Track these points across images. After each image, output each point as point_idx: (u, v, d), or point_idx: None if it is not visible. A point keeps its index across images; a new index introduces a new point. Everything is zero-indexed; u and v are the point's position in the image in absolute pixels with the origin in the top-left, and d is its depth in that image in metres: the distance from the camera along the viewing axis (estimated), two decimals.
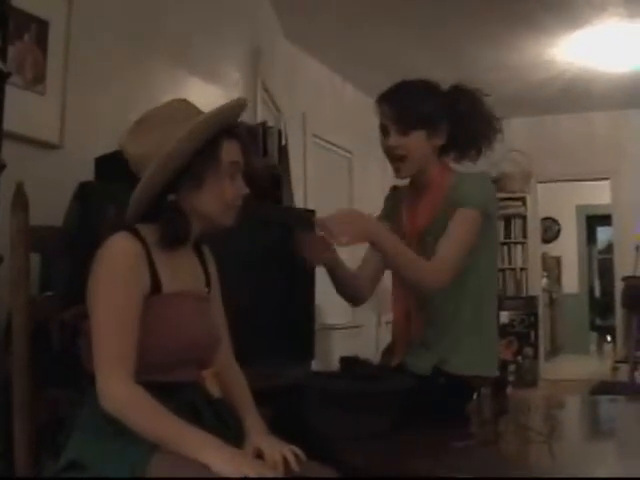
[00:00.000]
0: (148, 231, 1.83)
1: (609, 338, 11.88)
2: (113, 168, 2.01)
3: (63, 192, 2.44)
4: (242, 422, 1.90)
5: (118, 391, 1.65)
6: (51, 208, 2.38)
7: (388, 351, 2.69)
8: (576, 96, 7.84)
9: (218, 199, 1.86)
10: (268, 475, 1.57)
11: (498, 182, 8.24)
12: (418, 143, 2.50)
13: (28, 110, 2.71)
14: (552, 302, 11.41)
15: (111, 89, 3.19)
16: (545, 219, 11.26)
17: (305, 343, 3.29)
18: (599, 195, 10.09)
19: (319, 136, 6.75)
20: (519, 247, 9.01)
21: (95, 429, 1.69)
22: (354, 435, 2.12)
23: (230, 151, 1.87)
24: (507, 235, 8.99)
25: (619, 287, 8.36)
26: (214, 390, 1.91)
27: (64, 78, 2.88)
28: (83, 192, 2.36)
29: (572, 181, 9.49)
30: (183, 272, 1.90)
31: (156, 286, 1.79)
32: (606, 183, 8.98)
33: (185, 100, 1.93)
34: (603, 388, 7.25)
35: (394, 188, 2.83)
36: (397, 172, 2.57)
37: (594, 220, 12.92)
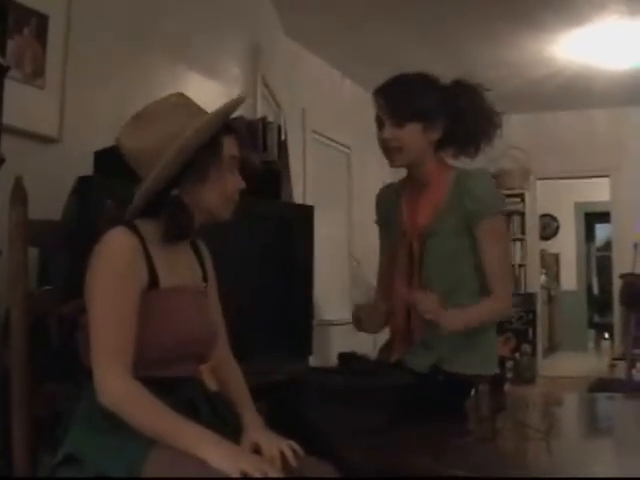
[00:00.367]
0: (147, 226, 1.82)
1: (607, 335, 11.90)
2: (112, 163, 2.01)
3: (62, 186, 2.44)
4: (239, 417, 1.90)
5: (115, 386, 1.65)
6: (50, 202, 2.38)
7: (387, 347, 2.68)
8: (576, 93, 7.84)
9: (220, 193, 1.87)
10: (266, 470, 1.57)
11: (497, 179, 8.23)
12: (413, 136, 2.50)
13: (27, 104, 2.71)
14: (550, 299, 11.42)
15: (110, 83, 3.18)
16: (544, 216, 11.26)
17: (303, 339, 3.29)
18: (598, 192, 10.09)
19: (318, 132, 6.75)
20: (518, 244, 9.00)
21: (92, 423, 1.69)
22: (352, 431, 2.12)
23: (230, 146, 1.87)
24: None
25: (617, 284, 8.37)
26: (211, 384, 1.91)
27: (63, 72, 2.88)
28: (82, 186, 2.37)
29: (571, 178, 9.48)
30: (180, 267, 1.90)
31: (154, 281, 1.79)
32: (605, 180, 8.97)
33: (182, 94, 1.93)
34: (601, 385, 7.27)
35: (386, 187, 2.82)
36: (391, 161, 2.57)
37: (593, 217, 12.94)
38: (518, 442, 2.26)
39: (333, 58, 6.88)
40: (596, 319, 13.59)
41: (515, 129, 7.82)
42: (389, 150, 2.54)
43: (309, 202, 5.65)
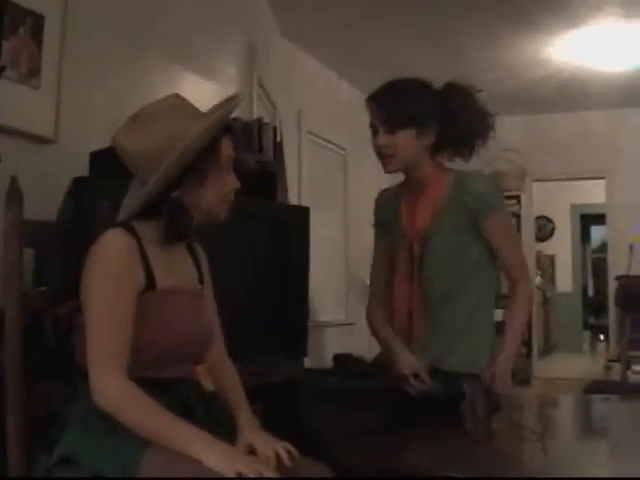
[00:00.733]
0: (144, 228, 1.82)
1: (602, 337, 11.89)
2: (108, 163, 2.00)
3: (57, 187, 2.44)
4: (235, 418, 1.90)
5: (111, 387, 1.65)
6: (45, 203, 2.38)
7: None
8: (572, 95, 7.84)
9: (219, 193, 1.87)
10: (261, 470, 1.57)
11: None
12: (406, 142, 2.50)
13: (22, 104, 2.70)
14: (546, 301, 11.43)
15: (107, 84, 3.18)
16: (539, 218, 11.26)
17: (298, 340, 3.29)
18: (594, 194, 10.09)
19: (314, 133, 6.74)
20: None
21: (88, 424, 1.69)
22: (348, 432, 2.12)
23: (227, 146, 1.88)
24: None
25: (612, 286, 8.37)
26: (207, 385, 1.92)
27: (59, 72, 2.88)
28: (77, 187, 2.36)
29: (567, 180, 9.49)
30: (177, 268, 1.90)
31: (150, 282, 1.79)
32: (601, 182, 8.97)
33: (179, 96, 1.92)
34: (596, 387, 7.28)
35: (385, 190, 2.83)
36: (385, 167, 2.58)
37: (588, 219, 12.95)
38: (514, 443, 2.26)
39: (329, 59, 6.87)
40: (591, 321, 13.60)
41: (511, 130, 7.81)
42: (383, 156, 2.55)
43: (305, 203, 5.65)
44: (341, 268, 7.22)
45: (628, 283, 7.86)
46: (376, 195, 2.86)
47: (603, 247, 10.80)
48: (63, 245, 2.15)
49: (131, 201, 1.86)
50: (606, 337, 10.17)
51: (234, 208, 1.93)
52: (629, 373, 7.60)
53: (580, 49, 6.49)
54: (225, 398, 1.97)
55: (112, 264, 1.74)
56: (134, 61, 3.42)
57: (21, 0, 2.67)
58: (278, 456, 1.71)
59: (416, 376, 2.40)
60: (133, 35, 3.40)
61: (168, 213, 1.82)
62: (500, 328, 2.58)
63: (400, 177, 2.69)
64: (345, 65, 7.00)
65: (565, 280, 12.65)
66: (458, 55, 6.46)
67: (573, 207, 12.46)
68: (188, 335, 1.84)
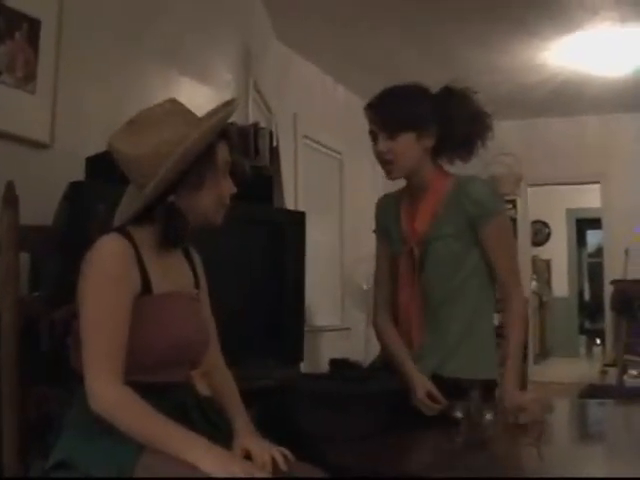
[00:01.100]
0: (140, 232, 1.82)
1: (598, 341, 11.91)
2: (104, 168, 2.00)
3: (53, 191, 2.44)
4: (230, 423, 1.90)
5: (106, 392, 1.65)
6: (41, 207, 2.38)
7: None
8: (568, 99, 7.86)
9: (215, 198, 1.87)
10: (257, 475, 1.57)
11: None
12: (407, 146, 2.50)
13: (18, 109, 2.70)
14: (542, 305, 11.45)
15: (102, 89, 3.18)
16: (535, 222, 11.29)
17: (294, 345, 3.29)
18: (589, 199, 10.11)
19: (310, 137, 6.75)
20: None
21: (83, 429, 1.68)
22: (344, 437, 2.12)
23: (223, 151, 1.88)
24: None
25: (608, 290, 8.39)
26: (203, 390, 1.92)
27: (55, 77, 2.87)
28: (73, 192, 2.36)
29: (563, 184, 9.50)
30: (173, 273, 1.90)
31: (147, 287, 1.79)
32: (596, 187, 8.98)
33: (176, 101, 1.92)
34: (592, 391, 7.28)
35: (385, 196, 2.83)
36: (388, 174, 2.57)
37: (584, 224, 12.97)
38: (510, 447, 2.26)
39: (325, 63, 6.88)
40: (587, 325, 13.63)
41: (507, 135, 7.80)
42: (385, 163, 2.54)
43: (301, 208, 5.66)
44: (337, 273, 7.22)
45: (624, 287, 7.88)
46: (373, 199, 2.86)
47: (599, 251, 10.80)
48: (59, 249, 2.14)
49: (127, 206, 1.86)
50: (602, 341, 10.20)
51: (230, 213, 1.93)
52: (625, 377, 7.61)
53: (576, 54, 6.50)
54: (221, 402, 1.97)
55: (108, 269, 1.74)
56: (130, 66, 3.42)
57: (17, 5, 2.67)
58: (274, 461, 1.71)
59: (430, 396, 2.40)
60: (128, 40, 3.40)
61: (164, 218, 1.82)
62: (499, 332, 2.58)
63: (399, 183, 2.69)
64: (341, 69, 7.01)
65: (561, 284, 12.67)
66: (454, 59, 6.47)
67: (569, 211, 12.49)
68: (185, 339, 1.84)
